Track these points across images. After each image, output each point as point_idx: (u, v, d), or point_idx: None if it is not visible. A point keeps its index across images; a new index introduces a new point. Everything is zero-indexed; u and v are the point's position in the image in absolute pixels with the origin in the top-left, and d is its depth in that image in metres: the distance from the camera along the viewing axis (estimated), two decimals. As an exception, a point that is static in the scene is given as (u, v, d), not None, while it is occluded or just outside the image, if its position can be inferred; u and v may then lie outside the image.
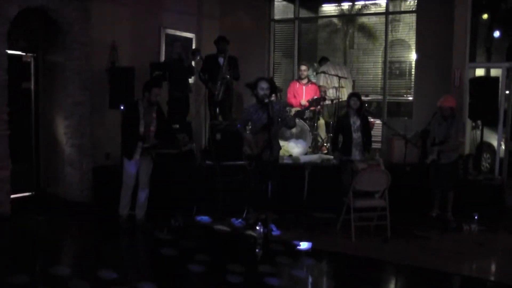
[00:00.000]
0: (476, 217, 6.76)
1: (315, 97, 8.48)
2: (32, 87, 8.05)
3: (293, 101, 8.71)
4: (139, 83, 7.70)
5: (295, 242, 5.87)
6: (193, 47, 9.68)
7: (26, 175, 8.01)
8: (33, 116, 8.09)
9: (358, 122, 6.88)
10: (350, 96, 6.99)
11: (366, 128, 7.00)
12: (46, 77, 8.07)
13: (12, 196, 7.06)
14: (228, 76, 8.33)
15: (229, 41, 8.60)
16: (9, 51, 7.01)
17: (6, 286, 4.73)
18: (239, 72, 8.59)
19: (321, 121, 8.86)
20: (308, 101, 8.39)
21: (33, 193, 8.06)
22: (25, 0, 6.98)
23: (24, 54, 7.87)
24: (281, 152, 7.05)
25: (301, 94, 8.68)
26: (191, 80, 8.95)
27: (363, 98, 7.31)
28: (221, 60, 8.48)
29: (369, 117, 7.36)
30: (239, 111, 9.07)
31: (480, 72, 9.46)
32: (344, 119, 6.96)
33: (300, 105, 8.52)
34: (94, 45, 7.88)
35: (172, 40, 8.84)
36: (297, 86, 8.79)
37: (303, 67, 8.81)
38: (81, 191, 7.84)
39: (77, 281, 4.83)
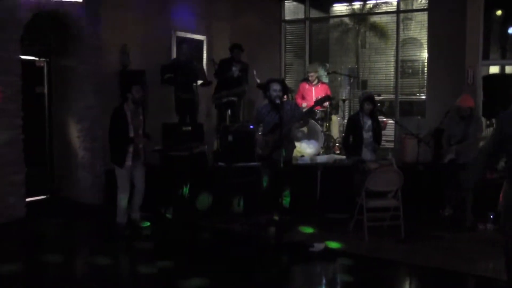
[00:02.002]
0: (492, 217, 6.67)
1: (320, 96, 8.35)
2: (45, 91, 8.14)
3: (300, 102, 8.70)
4: (150, 86, 7.77)
5: (308, 243, 5.84)
6: (204, 49, 9.70)
7: (41, 178, 8.09)
8: (47, 120, 8.17)
9: (369, 122, 6.84)
10: (365, 99, 6.87)
11: (377, 127, 6.93)
12: (58, 81, 8.14)
13: (27, 199, 7.14)
14: (245, 90, 8.38)
15: (244, 49, 8.60)
16: (23, 57, 7.09)
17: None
18: (248, 79, 8.60)
19: (333, 121, 8.82)
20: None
21: (48, 196, 8.14)
22: (37, 5, 7.04)
23: (37, 59, 7.95)
24: (294, 153, 7.03)
25: (311, 95, 8.65)
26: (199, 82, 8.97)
27: (375, 97, 7.26)
28: (235, 70, 8.48)
29: (381, 117, 7.30)
30: (250, 113, 9.08)
31: (494, 69, 9.35)
32: (355, 119, 6.91)
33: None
34: (105, 49, 7.93)
35: (180, 42, 8.89)
36: (307, 87, 8.78)
37: (312, 74, 8.77)
38: (94, 194, 7.90)
39: (90, 284, 4.87)
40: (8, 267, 5.24)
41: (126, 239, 6.31)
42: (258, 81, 8.45)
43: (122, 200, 6.36)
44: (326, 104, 8.22)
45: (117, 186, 6.38)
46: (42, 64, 8.07)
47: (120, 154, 6.21)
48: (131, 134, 6.20)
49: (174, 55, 9.16)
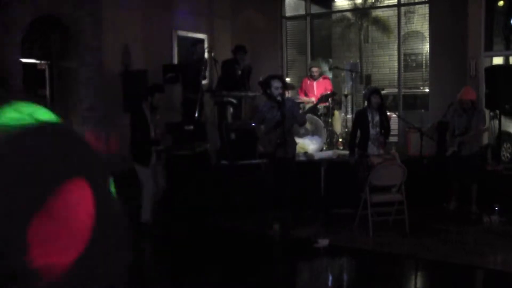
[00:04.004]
0: (496, 209, 6.63)
1: (326, 92, 8.30)
2: (47, 93, 8.14)
3: (303, 97, 8.68)
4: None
5: (313, 239, 5.82)
6: (206, 48, 9.68)
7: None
8: (50, 122, 8.17)
9: (377, 118, 6.67)
10: (372, 92, 6.76)
11: (386, 122, 6.81)
12: (60, 83, 8.14)
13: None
14: (246, 95, 8.37)
15: (247, 51, 8.56)
16: (24, 60, 7.10)
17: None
18: (249, 84, 8.59)
19: (336, 116, 8.78)
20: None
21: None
22: (37, 8, 7.05)
23: (38, 61, 7.96)
24: (297, 149, 7.01)
25: (312, 90, 8.62)
26: (204, 82, 8.94)
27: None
28: (237, 70, 8.44)
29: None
30: (251, 110, 9.04)
31: (498, 60, 9.29)
32: (362, 114, 6.77)
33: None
34: (106, 50, 7.93)
35: (195, 42, 8.90)
36: (308, 83, 8.75)
37: (315, 69, 8.73)
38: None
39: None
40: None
41: (154, 237, 6.34)
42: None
43: (147, 200, 6.36)
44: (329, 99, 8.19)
45: (143, 185, 6.32)
46: (43, 67, 8.07)
47: (144, 153, 6.25)
48: (152, 134, 6.28)
49: (175, 54, 9.15)
